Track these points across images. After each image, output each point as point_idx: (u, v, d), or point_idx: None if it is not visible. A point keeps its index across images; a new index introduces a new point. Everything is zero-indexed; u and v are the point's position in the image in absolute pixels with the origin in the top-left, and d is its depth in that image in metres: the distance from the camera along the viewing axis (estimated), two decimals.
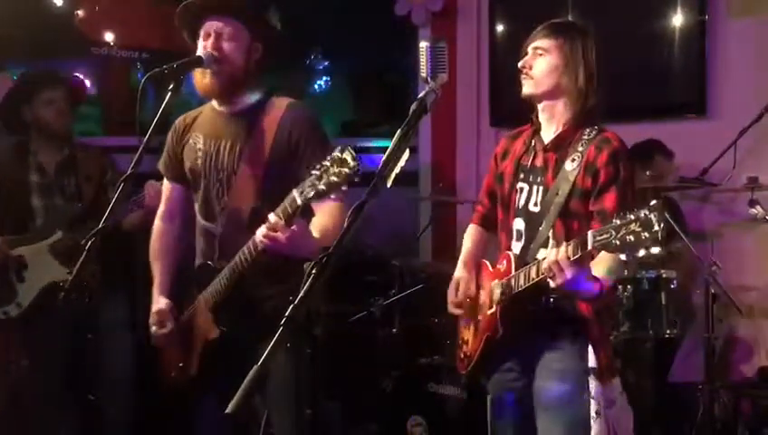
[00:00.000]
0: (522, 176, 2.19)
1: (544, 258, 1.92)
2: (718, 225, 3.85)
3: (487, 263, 2.28)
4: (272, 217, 1.98)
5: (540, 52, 2.12)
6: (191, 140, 2.39)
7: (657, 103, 4.11)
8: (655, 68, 4.09)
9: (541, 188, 2.13)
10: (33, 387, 3.11)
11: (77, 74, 3.73)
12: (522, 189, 2.18)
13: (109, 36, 4.51)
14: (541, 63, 2.11)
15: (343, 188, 1.78)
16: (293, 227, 1.97)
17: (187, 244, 2.45)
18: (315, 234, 2.13)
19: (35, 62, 4.27)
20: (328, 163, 1.78)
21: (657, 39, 4.06)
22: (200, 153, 2.35)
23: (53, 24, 4.36)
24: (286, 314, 1.35)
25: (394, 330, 3.87)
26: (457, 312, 2.28)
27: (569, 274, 1.82)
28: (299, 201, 1.89)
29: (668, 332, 3.28)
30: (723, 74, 3.93)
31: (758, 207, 3.27)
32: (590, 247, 1.76)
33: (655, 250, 1.63)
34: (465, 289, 2.26)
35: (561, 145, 2.11)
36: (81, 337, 3.09)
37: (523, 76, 2.14)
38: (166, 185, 2.52)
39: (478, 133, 4.65)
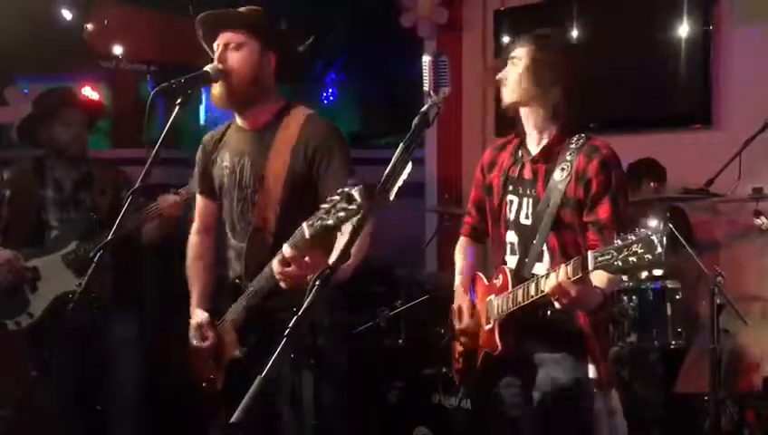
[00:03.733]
0: (511, 188, 2.18)
1: (543, 275, 1.92)
2: (723, 235, 3.85)
3: (482, 276, 2.27)
4: (285, 248, 2.00)
5: (514, 62, 2.13)
6: (218, 158, 2.42)
7: (663, 114, 4.12)
8: (660, 78, 4.10)
9: (531, 200, 2.12)
10: (42, 398, 3.13)
11: (93, 91, 3.77)
12: (512, 202, 2.17)
13: (118, 50, 4.56)
14: (513, 72, 2.12)
15: (348, 225, 1.80)
16: (307, 259, 1.98)
17: (222, 257, 2.48)
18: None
19: (45, 76, 4.31)
20: (337, 198, 1.80)
21: (662, 49, 4.07)
22: (226, 171, 2.38)
23: (63, 37, 4.40)
24: (289, 325, 1.36)
25: (400, 341, 3.88)
26: (464, 339, 2.26)
27: (573, 293, 1.82)
28: (307, 235, 1.91)
29: (674, 342, 3.27)
30: (728, 85, 3.94)
31: (763, 217, 3.27)
32: (590, 269, 1.75)
33: (657, 273, 1.63)
34: (469, 315, 2.24)
35: (549, 155, 2.11)
36: (89, 348, 3.12)
37: (502, 87, 2.15)
38: (199, 200, 2.56)
39: (484, 144, 4.66)
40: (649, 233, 1.62)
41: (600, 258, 1.71)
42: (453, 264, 2.42)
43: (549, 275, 1.88)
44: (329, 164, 2.23)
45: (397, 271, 4.08)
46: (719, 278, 3.06)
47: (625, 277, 1.72)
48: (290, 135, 2.28)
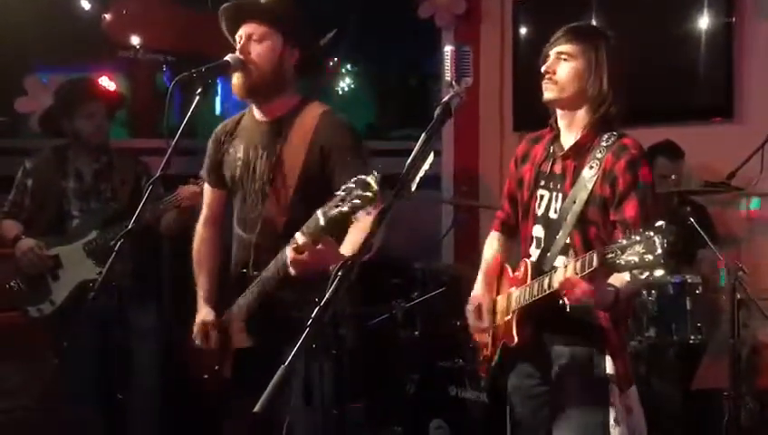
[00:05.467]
0: (542, 183, 2.17)
1: (556, 269, 1.93)
2: (744, 230, 3.81)
3: (508, 268, 2.27)
4: (298, 236, 2.02)
5: (564, 57, 2.09)
6: (231, 149, 2.42)
7: (684, 106, 4.07)
8: (681, 71, 4.05)
9: (560, 195, 2.12)
10: (63, 385, 3.17)
11: (110, 81, 3.79)
12: (542, 197, 2.17)
13: (135, 40, 4.57)
14: (565, 68, 2.08)
15: (364, 211, 1.82)
16: (319, 247, 2.00)
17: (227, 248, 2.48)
18: (347, 250, 2.13)
19: (64, 66, 4.33)
20: (353, 185, 1.82)
21: (683, 41, 4.02)
22: (239, 162, 2.38)
23: (81, 27, 4.42)
24: (312, 315, 1.36)
25: (416, 333, 3.88)
26: (481, 338, 2.25)
27: (579, 290, 1.83)
28: (322, 222, 1.93)
29: (693, 337, 3.25)
30: (750, 77, 3.88)
31: None
32: (595, 266, 1.76)
33: (658, 274, 1.62)
34: (488, 312, 2.23)
35: (580, 152, 2.09)
36: (109, 336, 3.15)
37: (546, 81, 2.11)
38: (207, 190, 2.56)
39: (501, 137, 4.64)
40: (651, 233, 1.62)
41: (605, 257, 1.72)
42: (469, 256, 2.42)
43: (559, 270, 1.90)
44: (345, 162, 2.24)
45: (413, 263, 4.07)
46: (740, 273, 3.03)
47: (627, 277, 1.72)
48: (306, 129, 2.28)
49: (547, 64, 2.11)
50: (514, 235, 2.33)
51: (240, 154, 2.39)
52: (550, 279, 1.96)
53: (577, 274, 1.82)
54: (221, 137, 2.47)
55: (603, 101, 2.07)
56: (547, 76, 2.11)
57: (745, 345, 3.21)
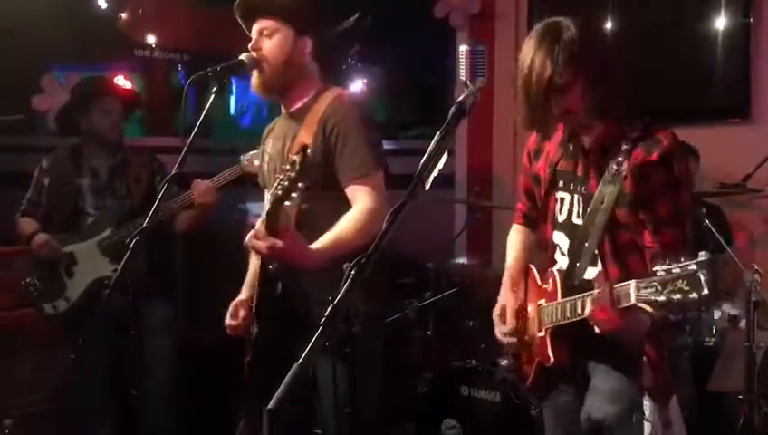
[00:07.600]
0: (561, 184, 2.03)
1: (589, 295, 1.79)
2: (761, 232, 3.78)
3: (534, 271, 2.15)
4: (258, 223, 2.03)
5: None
6: (265, 146, 2.46)
7: (700, 107, 4.05)
8: (698, 71, 4.03)
9: (582, 198, 1.97)
10: (78, 381, 3.20)
11: (126, 80, 3.83)
12: (562, 200, 2.03)
13: (151, 38, 4.59)
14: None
15: (293, 193, 1.88)
16: (278, 242, 1.97)
17: None
18: (326, 241, 2.11)
19: (80, 65, 4.37)
20: (287, 166, 1.88)
21: (700, 41, 4.00)
22: (267, 157, 2.41)
23: (97, 26, 4.45)
24: (326, 313, 1.36)
25: (428, 332, 3.87)
26: (509, 341, 2.15)
27: (611, 323, 1.70)
28: (267, 206, 1.94)
29: (708, 339, 3.22)
30: (767, 78, 3.85)
31: None
32: (632, 302, 1.62)
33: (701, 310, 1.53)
34: (513, 316, 2.13)
35: (603, 146, 1.92)
36: (123, 333, 3.17)
37: None
38: None
39: (515, 136, 4.62)
40: (695, 268, 1.48)
41: (642, 291, 1.58)
42: (482, 256, 2.39)
43: (592, 297, 1.77)
44: (344, 144, 2.22)
45: (426, 263, 4.06)
46: (756, 275, 3.00)
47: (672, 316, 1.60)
48: (316, 114, 2.28)
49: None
50: (537, 226, 2.21)
51: (269, 150, 2.41)
52: (582, 303, 1.83)
53: (611, 307, 1.69)
54: (263, 140, 2.49)
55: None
56: None
57: (761, 348, 3.19)
